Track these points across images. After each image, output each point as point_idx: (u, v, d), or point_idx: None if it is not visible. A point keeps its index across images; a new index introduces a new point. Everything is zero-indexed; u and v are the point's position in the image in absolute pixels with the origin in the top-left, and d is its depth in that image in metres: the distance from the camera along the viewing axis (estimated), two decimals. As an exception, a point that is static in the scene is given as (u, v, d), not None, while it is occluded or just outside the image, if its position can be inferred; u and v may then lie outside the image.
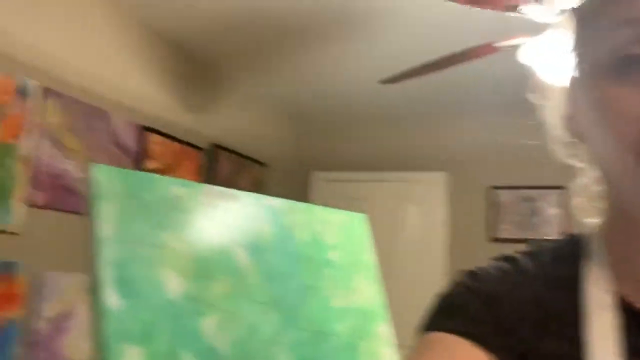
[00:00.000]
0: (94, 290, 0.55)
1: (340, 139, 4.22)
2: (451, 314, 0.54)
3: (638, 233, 0.52)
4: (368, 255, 0.98)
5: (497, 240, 3.59)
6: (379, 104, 3.81)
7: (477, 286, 0.56)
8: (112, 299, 0.53)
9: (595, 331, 0.50)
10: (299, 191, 4.22)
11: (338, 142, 4.22)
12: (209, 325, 0.65)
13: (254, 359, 0.65)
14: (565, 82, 0.57)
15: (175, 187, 0.65)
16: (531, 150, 3.48)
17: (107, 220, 0.56)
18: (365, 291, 0.92)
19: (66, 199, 2.32)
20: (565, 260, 0.58)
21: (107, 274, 0.52)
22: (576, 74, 0.54)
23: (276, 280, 0.78)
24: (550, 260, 0.58)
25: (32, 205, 2.21)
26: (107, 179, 0.56)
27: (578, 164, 0.62)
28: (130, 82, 2.82)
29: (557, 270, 0.57)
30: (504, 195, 3.63)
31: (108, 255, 0.53)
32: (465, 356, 0.49)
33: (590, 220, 0.61)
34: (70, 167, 2.35)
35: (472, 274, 0.59)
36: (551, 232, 3.47)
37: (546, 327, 0.53)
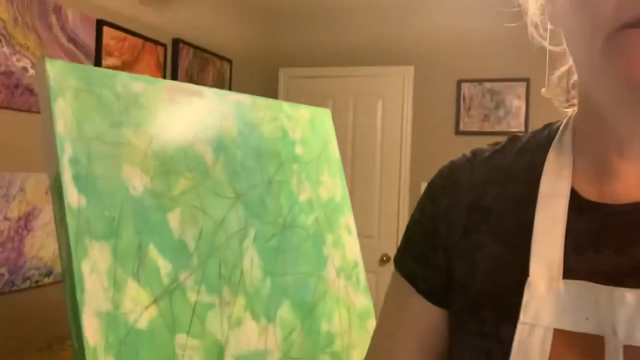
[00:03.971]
0: (55, 190, 0.54)
1: (307, 34, 4.11)
2: (404, 250, 0.65)
3: (598, 124, 0.53)
4: (333, 150, 0.99)
5: (462, 133, 3.65)
6: (345, -6, 3.68)
7: (429, 196, 0.64)
8: (74, 197, 0.53)
9: (543, 216, 0.53)
10: (266, 88, 4.16)
11: (305, 37, 4.11)
12: (174, 219, 0.65)
13: (221, 252, 0.66)
14: None
15: (135, 83, 0.63)
16: (497, 43, 3.45)
17: (63, 117, 0.54)
18: (329, 185, 0.94)
19: (22, 98, 2.25)
20: (532, 149, 0.59)
21: (67, 173, 0.52)
22: None
23: (242, 176, 0.79)
24: (517, 150, 0.60)
25: (-12, 104, 2.14)
26: (62, 75, 0.54)
27: (558, 50, 0.62)
28: (82, -28, 2.65)
29: (519, 158, 0.59)
30: (470, 89, 3.65)
31: (67, 153, 0.52)
32: (413, 309, 0.62)
33: (566, 109, 0.63)
34: (23, 65, 2.25)
35: (439, 173, 0.65)
36: (516, 124, 3.53)
37: (488, 213, 0.58)
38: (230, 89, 3.84)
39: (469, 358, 0.54)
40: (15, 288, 2.07)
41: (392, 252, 3.55)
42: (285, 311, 1.24)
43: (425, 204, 0.64)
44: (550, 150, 0.57)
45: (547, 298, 0.49)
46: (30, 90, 2.29)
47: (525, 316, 0.50)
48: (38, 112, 2.22)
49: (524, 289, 0.50)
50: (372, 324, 1.44)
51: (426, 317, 0.62)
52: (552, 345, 0.48)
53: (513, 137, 0.63)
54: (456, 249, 0.59)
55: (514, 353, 0.49)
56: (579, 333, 0.48)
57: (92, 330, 0.89)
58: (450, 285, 0.59)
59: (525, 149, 0.60)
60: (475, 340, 0.54)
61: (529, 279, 0.51)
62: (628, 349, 0.45)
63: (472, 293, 0.56)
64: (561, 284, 0.49)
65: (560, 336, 0.48)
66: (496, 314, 0.53)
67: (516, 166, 0.59)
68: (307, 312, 1.29)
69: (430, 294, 0.61)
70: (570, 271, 0.50)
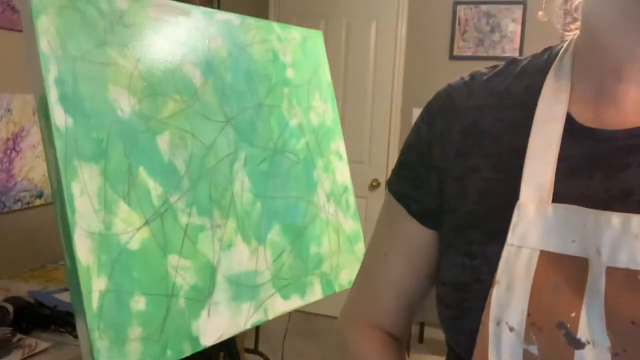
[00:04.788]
0: (42, 110, 0.53)
1: (298, -52, 3.94)
2: (397, 173, 0.66)
3: (599, 47, 0.53)
4: (324, 74, 0.97)
5: (456, 58, 3.59)
6: None
7: (425, 119, 0.64)
8: (61, 118, 0.52)
9: (537, 140, 0.53)
10: (256, 7, 4.03)
11: (296, -48, 3.95)
12: (164, 142, 0.65)
13: (211, 175, 0.66)
14: None
15: (120, 0, 0.61)
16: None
17: (47, 35, 0.52)
18: (320, 109, 0.93)
19: (4, 15, 2.17)
20: (531, 73, 0.59)
21: (53, 93, 0.50)
22: None
23: (232, 99, 0.77)
24: (516, 74, 0.60)
25: (-32, 21, 2.06)
26: (42, -9, 0.52)
27: None
28: None
29: (517, 82, 0.59)
30: (465, 11, 3.56)
31: (52, 73, 0.50)
32: (405, 230, 0.64)
33: (566, 33, 0.61)
34: (3, -21, 2.15)
35: (436, 96, 0.64)
36: (510, 49, 3.47)
37: (480, 137, 0.58)
38: (219, 8, 3.72)
39: (455, 277, 0.56)
40: (6, 209, 2.09)
41: (382, 178, 3.58)
42: (275, 234, 1.26)
43: (421, 127, 0.64)
44: (548, 74, 0.57)
45: (536, 220, 0.50)
46: (12, 8, 2.21)
47: (512, 237, 0.51)
48: (22, 31, 2.14)
49: (514, 211, 0.51)
50: (360, 247, 1.47)
51: (417, 238, 0.63)
52: (537, 267, 0.49)
53: (512, 60, 0.62)
54: (449, 171, 0.59)
55: (499, 273, 0.50)
56: (565, 255, 0.49)
57: (84, 251, 0.90)
58: (441, 208, 0.60)
59: (524, 72, 0.59)
60: (462, 259, 0.55)
61: (519, 201, 0.51)
62: (610, 271, 0.46)
63: (462, 214, 0.57)
64: (550, 207, 0.50)
65: (546, 258, 0.49)
66: (484, 235, 0.54)
67: (514, 90, 0.59)
68: (297, 234, 1.31)
69: (422, 216, 0.62)
70: (560, 195, 0.51)
